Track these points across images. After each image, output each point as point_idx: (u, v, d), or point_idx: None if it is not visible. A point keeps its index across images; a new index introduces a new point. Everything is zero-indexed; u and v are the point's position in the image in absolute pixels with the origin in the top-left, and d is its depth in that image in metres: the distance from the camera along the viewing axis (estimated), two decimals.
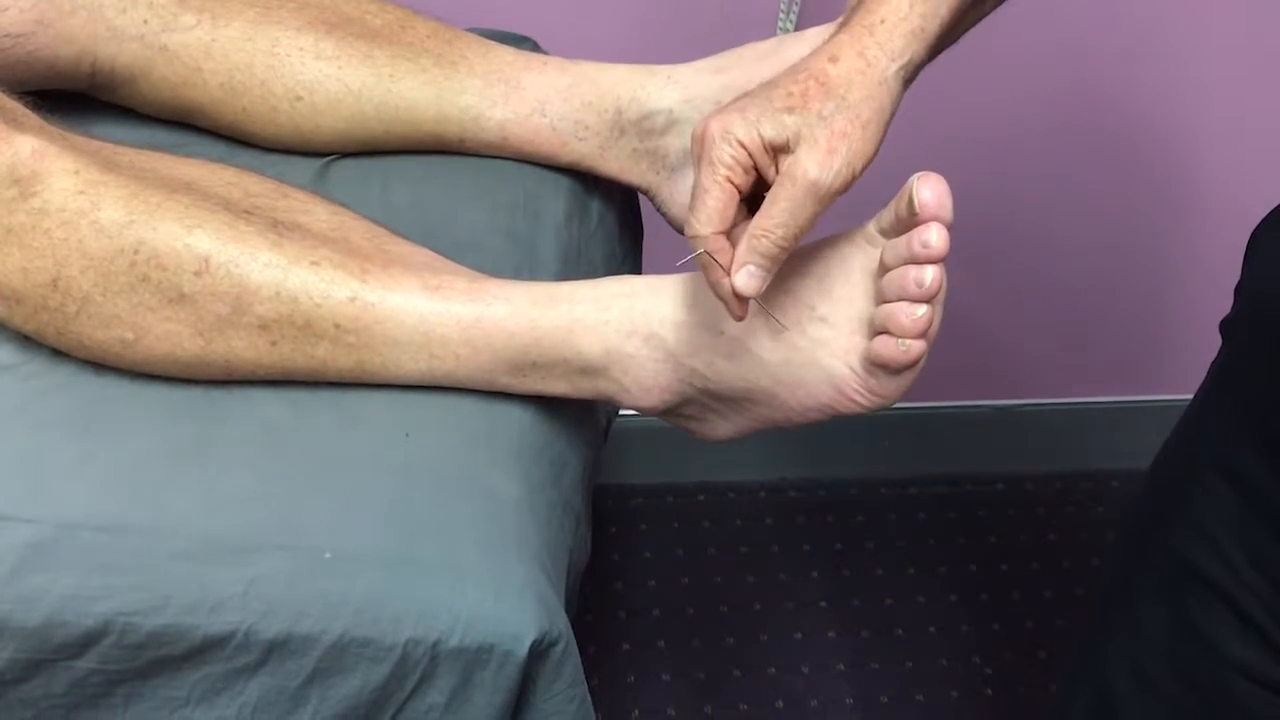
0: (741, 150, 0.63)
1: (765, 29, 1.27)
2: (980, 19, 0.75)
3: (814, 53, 0.66)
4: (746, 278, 0.64)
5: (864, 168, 0.64)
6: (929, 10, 0.66)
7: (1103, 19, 1.33)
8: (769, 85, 0.65)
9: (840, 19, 0.69)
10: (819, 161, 0.62)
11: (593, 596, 1.46)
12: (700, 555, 1.56)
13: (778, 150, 0.63)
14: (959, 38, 0.73)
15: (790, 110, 0.63)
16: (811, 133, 0.63)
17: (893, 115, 0.66)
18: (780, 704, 1.40)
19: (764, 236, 0.63)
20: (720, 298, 0.66)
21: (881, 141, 0.65)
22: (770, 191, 0.64)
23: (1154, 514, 0.84)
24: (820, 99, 0.63)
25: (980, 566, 1.56)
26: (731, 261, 0.64)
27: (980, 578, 1.55)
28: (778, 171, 0.64)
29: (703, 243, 0.64)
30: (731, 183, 0.64)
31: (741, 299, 0.65)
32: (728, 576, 1.54)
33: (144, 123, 0.88)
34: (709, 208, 0.64)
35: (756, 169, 0.64)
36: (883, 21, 0.65)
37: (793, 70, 0.65)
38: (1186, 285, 1.53)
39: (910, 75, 0.67)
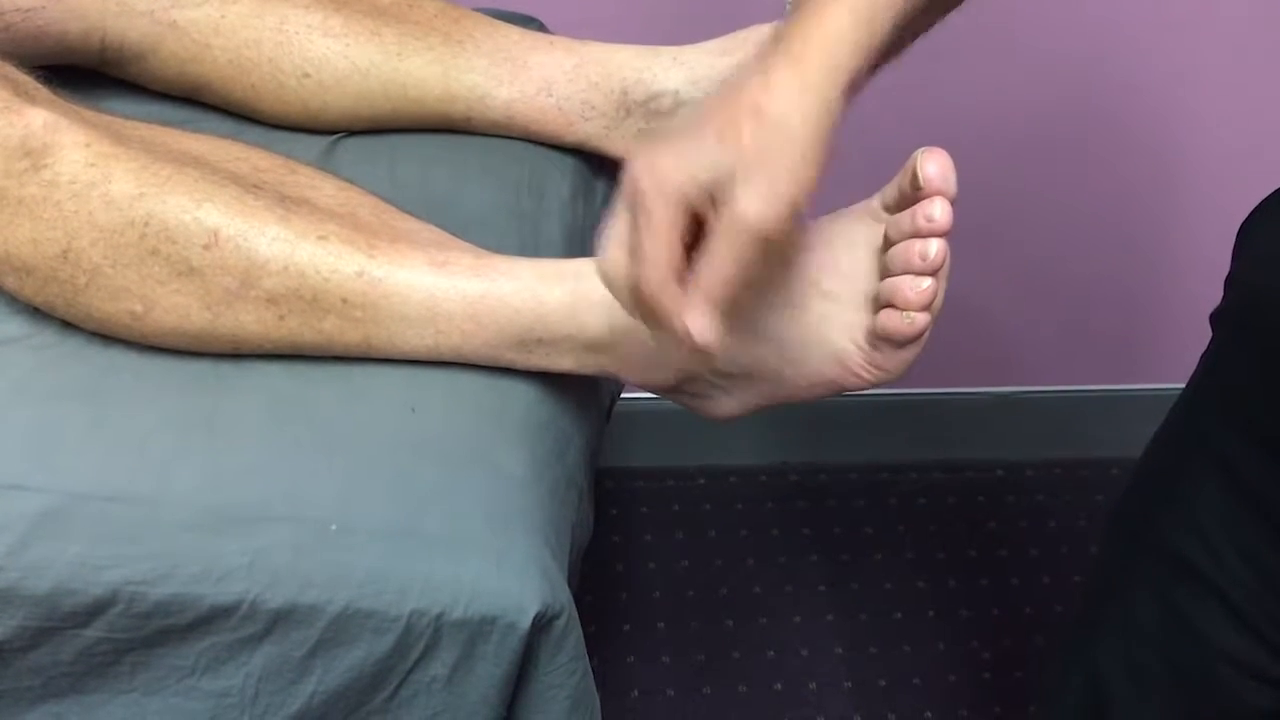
0: (677, 193, 0.59)
1: (772, 11, 1.27)
2: (932, 25, 0.70)
3: (749, 81, 0.60)
4: (700, 322, 0.59)
5: (806, 199, 0.60)
6: (875, 29, 0.61)
7: (1102, 16, 1.33)
8: (703, 119, 0.60)
9: (774, 32, 0.62)
10: (760, 198, 0.58)
11: (593, 578, 1.46)
12: (700, 538, 1.56)
13: (714, 190, 0.59)
14: (909, 45, 0.69)
15: (724, 147, 0.58)
16: (748, 171, 0.58)
17: (834, 131, 0.60)
18: (779, 686, 1.40)
19: (710, 280, 0.59)
20: (677, 336, 0.60)
21: (823, 165, 0.60)
22: (710, 232, 0.59)
23: (1143, 503, 0.84)
24: (755, 132, 0.58)
25: (979, 552, 1.57)
26: (683, 306, 0.59)
27: (979, 563, 1.55)
28: (716, 211, 0.59)
29: (657, 290, 0.59)
30: (671, 227, 0.59)
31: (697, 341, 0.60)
32: (728, 559, 1.54)
33: (153, 99, 0.88)
34: (654, 256, 0.59)
35: (695, 212, 0.60)
36: (821, 43, 0.59)
37: (727, 101, 0.60)
38: (1186, 274, 1.53)
39: (854, 90, 0.61)
